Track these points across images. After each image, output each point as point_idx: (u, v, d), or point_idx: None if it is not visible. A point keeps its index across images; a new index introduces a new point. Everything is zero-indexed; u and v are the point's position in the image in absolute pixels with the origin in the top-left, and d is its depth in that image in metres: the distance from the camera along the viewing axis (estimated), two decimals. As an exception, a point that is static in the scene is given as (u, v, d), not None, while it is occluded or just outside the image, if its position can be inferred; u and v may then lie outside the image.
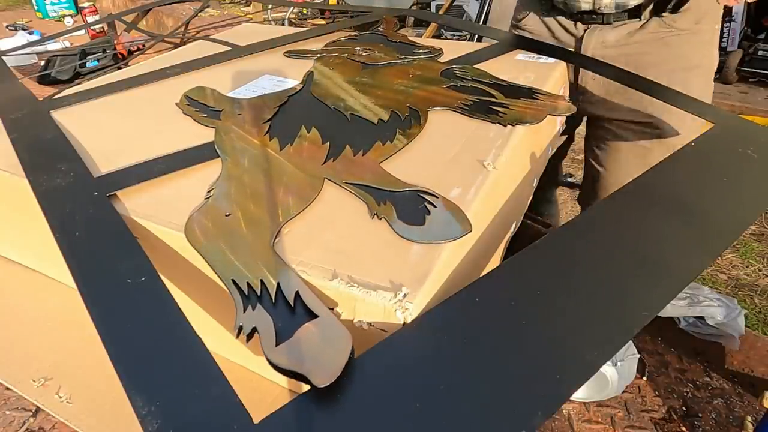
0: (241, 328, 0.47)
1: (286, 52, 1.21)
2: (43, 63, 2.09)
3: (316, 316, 0.48)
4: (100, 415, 0.66)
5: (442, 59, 1.12)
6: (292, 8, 4.92)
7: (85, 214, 0.62)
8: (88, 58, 2.10)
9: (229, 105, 0.90)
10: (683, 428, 0.86)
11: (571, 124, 1.41)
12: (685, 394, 0.93)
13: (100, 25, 2.61)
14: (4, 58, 1.30)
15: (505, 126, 0.80)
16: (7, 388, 0.72)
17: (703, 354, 1.04)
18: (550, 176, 1.46)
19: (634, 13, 1.14)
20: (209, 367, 0.44)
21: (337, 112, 0.86)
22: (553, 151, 1.22)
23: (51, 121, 0.87)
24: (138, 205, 0.65)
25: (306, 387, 0.42)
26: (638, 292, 0.53)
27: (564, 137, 1.46)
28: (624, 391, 0.91)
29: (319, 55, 1.15)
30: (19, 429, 0.77)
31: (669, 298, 0.53)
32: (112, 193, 0.66)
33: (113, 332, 0.47)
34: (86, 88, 1.03)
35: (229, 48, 1.27)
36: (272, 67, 1.11)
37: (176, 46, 2.07)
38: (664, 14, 1.12)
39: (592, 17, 1.17)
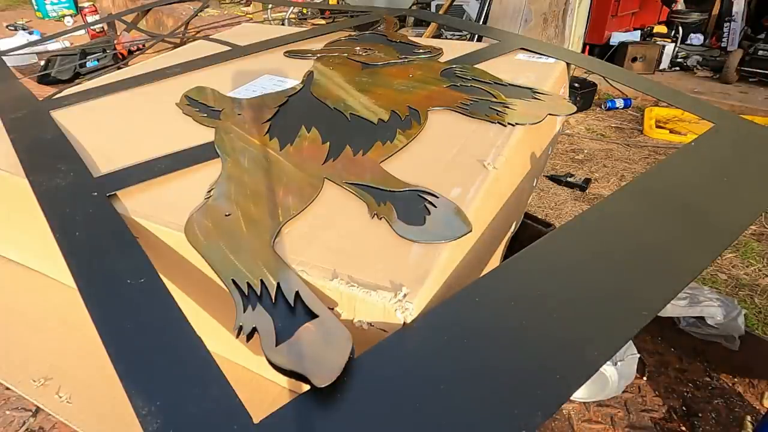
0: (241, 328, 0.47)
1: (286, 52, 1.21)
2: (43, 63, 2.10)
3: (316, 316, 0.48)
4: (100, 415, 0.66)
5: (442, 59, 1.12)
6: (292, 8, 4.91)
7: (85, 214, 0.62)
8: (88, 58, 2.11)
9: (229, 105, 0.90)
10: (683, 428, 0.86)
11: None
12: (685, 394, 0.93)
13: (100, 25, 2.61)
14: (4, 58, 1.30)
15: (505, 126, 0.80)
16: (7, 388, 0.72)
17: (703, 354, 1.04)
18: None
19: None
20: (209, 367, 0.44)
21: (337, 112, 0.86)
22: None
23: (51, 121, 0.87)
24: (138, 205, 0.65)
25: (306, 387, 0.42)
26: (638, 292, 0.53)
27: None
28: (624, 391, 0.91)
29: (319, 55, 1.15)
30: (19, 429, 0.77)
31: (669, 298, 0.53)
32: (112, 193, 0.66)
33: (113, 332, 0.47)
34: (86, 88, 1.03)
35: (229, 48, 1.27)
36: (272, 67, 1.11)
37: (176, 46, 2.07)
38: None
39: None
